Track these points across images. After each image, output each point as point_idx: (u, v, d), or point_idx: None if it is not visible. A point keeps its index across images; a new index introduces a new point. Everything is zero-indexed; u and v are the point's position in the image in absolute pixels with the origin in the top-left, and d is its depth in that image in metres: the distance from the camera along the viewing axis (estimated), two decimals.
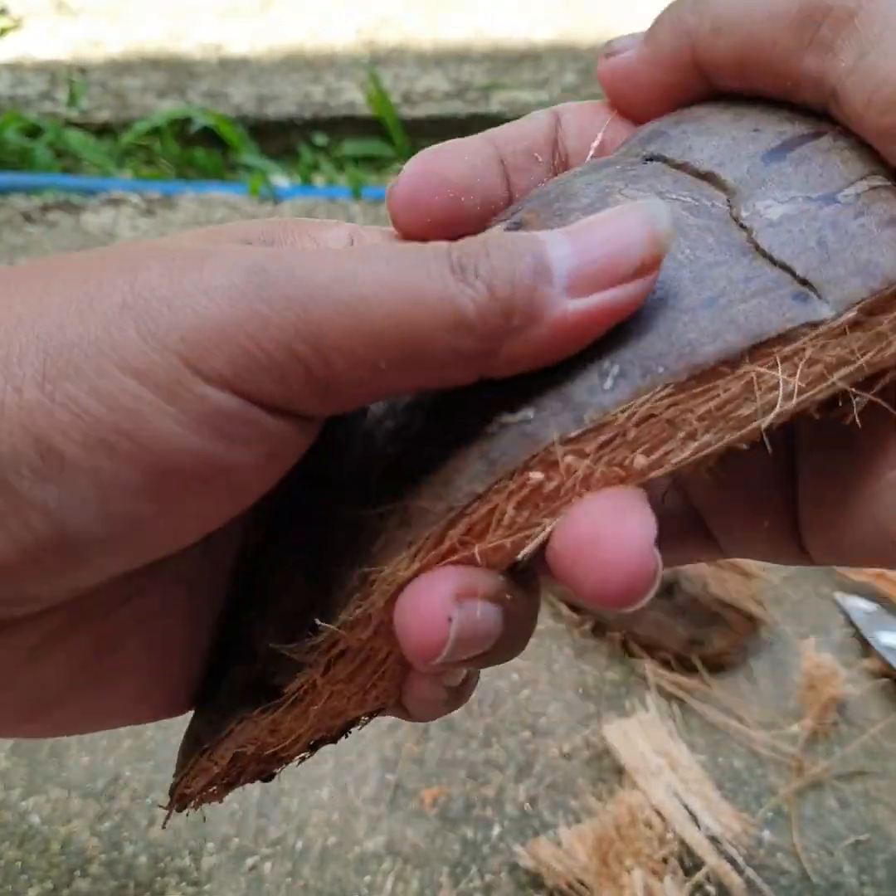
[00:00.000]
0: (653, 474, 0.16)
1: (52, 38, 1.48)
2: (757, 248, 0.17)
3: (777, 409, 0.16)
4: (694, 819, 0.48)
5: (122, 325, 0.14)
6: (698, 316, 0.16)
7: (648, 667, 0.58)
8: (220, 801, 0.21)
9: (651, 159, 0.19)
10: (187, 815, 0.22)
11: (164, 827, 0.25)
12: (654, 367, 0.16)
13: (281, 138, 1.33)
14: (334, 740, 0.20)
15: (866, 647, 0.60)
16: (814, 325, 0.16)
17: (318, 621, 0.17)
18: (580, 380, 0.16)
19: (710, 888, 0.47)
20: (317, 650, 0.17)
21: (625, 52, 0.21)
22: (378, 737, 0.55)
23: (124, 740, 0.55)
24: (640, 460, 0.16)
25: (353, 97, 1.34)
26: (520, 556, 0.16)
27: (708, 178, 0.18)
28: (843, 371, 0.16)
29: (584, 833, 0.48)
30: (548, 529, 0.16)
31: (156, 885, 0.49)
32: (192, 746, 0.20)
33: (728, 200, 0.18)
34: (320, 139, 1.32)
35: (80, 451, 0.14)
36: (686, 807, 0.49)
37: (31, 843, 0.51)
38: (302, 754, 0.21)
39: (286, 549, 0.20)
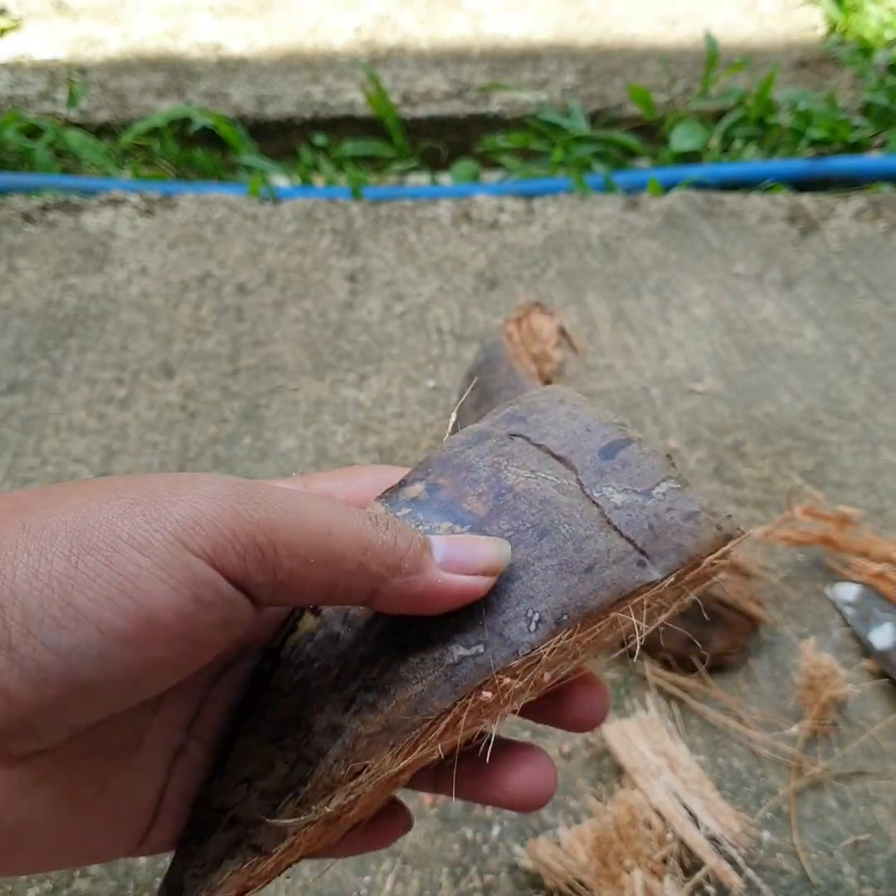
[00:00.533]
0: (550, 685, 0.25)
1: (52, 38, 1.48)
2: (610, 523, 0.25)
3: (634, 640, 0.24)
4: (694, 819, 0.48)
5: (133, 514, 0.20)
6: (584, 579, 0.24)
7: (648, 667, 0.58)
8: None
9: (515, 436, 0.28)
10: None
11: None
12: (561, 616, 0.24)
13: (280, 138, 1.32)
14: (280, 873, 0.27)
15: (865, 648, 0.60)
16: (650, 584, 0.24)
17: (315, 808, 0.23)
18: (513, 623, 0.24)
19: (710, 888, 0.47)
20: (309, 824, 0.24)
21: None
22: None
23: None
24: (547, 676, 0.24)
25: (352, 97, 1.34)
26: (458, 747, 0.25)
27: (562, 460, 0.27)
28: (663, 615, 0.26)
29: (583, 833, 0.48)
30: (493, 728, 0.24)
31: (156, 885, 0.49)
32: (175, 894, 0.25)
33: (578, 479, 0.26)
34: (320, 139, 1.32)
35: (91, 604, 0.18)
36: (686, 807, 0.49)
37: None
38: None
39: (264, 739, 0.25)
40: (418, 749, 0.23)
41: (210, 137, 1.29)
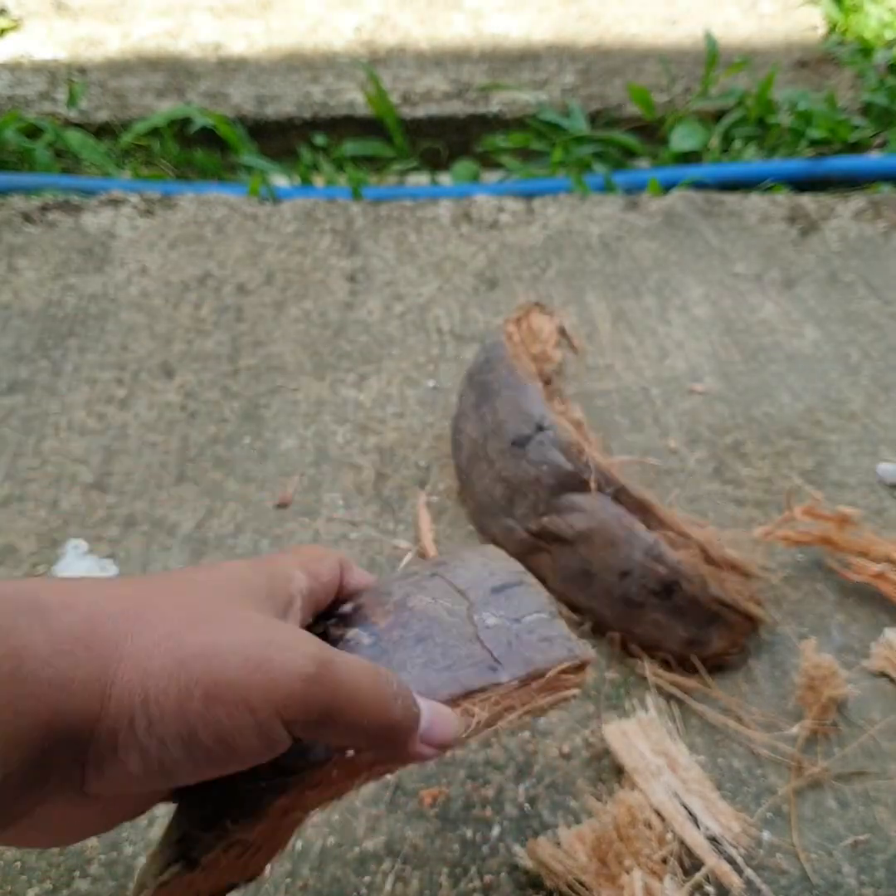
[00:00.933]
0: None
1: (52, 38, 1.48)
2: (478, 638, 0.33)
3: (472, 728, 0.31)
4: (693, 819, 0.48)
5: (252, 680, 0.26)
6: (442, 674, 0.32)
7: (648, 667, 0.58)
8: None
9: (435, 575, 0.37)
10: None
11: None
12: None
13: (280, 138, 1.32)
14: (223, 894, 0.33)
15: (865, 648, 0.60)
16: (497, 684, 0.32)
17: (229, 824, 0.30)
18: None
19: (710, 889, 0.47)
20: (225, 840, 0.29)
21: None
22: None
23: None
24: None
25: (352, 97, 1.34)
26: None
27: (461, 592, 0.35)
28: (509, 714, 0.32)
29: (583, 833, 0.48)
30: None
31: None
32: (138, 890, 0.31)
33: (468, 608, 0.35)
34: (320, 139, 1.32)
35: (209, 742, 0.26)
36: (686, 807, 0.49)
37: None
38: None
39: (204, 795, 0.31)
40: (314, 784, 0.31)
41: (210, 137, 1.29)
